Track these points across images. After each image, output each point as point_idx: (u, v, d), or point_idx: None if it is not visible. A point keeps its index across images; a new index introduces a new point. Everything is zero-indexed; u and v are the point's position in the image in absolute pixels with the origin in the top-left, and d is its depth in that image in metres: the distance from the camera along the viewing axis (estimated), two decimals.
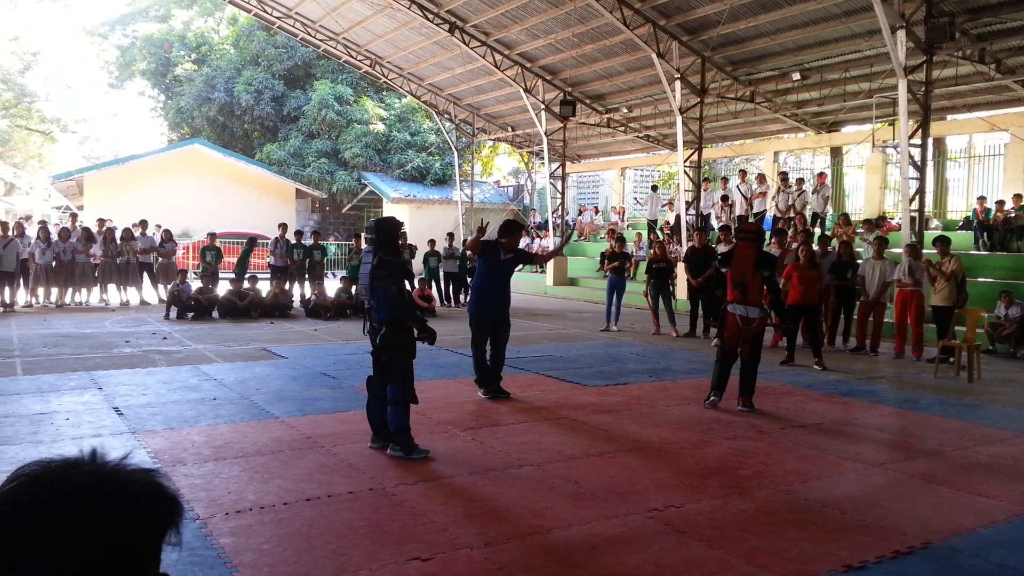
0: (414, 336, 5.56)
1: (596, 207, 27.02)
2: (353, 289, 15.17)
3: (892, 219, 16.63)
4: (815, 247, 11.46)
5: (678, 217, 17.81)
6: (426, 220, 28.05)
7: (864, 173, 19.58)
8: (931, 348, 10.35)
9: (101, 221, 16.76)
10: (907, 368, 9.99)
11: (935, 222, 16.86)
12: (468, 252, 11.89)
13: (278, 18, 22.39)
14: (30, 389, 7.40)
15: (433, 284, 16.54)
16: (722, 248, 12.13)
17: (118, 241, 15.91)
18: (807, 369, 9.50)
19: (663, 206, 21.74)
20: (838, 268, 11.26)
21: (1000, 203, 15.35)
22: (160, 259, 16.40)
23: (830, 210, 17.41)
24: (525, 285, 21.13)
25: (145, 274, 16.32)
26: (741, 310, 7.11)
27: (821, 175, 17.64)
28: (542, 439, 6.03)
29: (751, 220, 17.54)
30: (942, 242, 10.78)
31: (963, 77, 14.97)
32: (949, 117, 17.88)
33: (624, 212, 24.75)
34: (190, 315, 13.63)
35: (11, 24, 41.34)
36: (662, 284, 12.83)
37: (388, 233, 5.60)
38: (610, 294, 13.13)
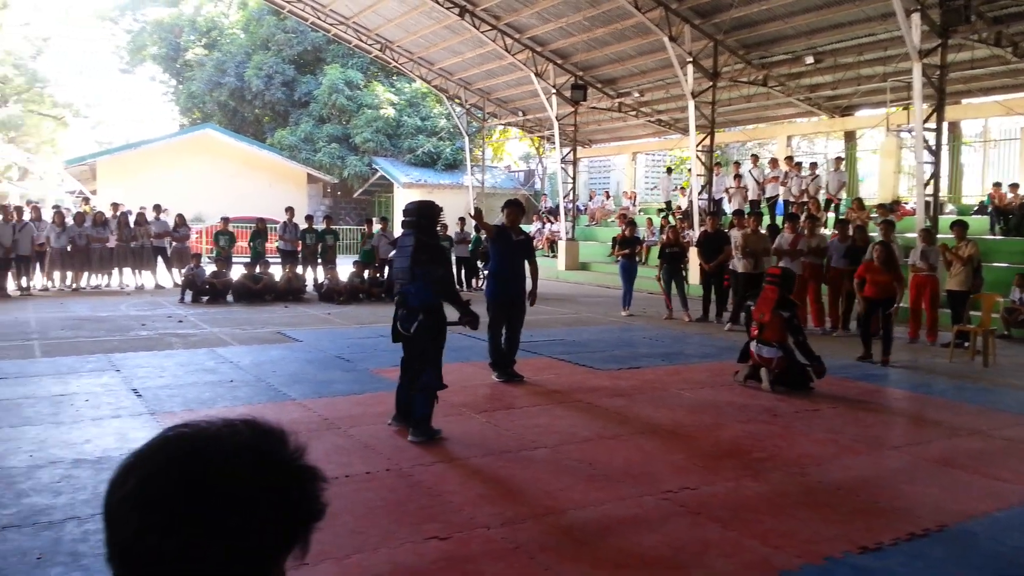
0: (446, 322, 5.54)
1: (607, 192, 26.94)
2: (366, 274, 15.25)
3: (906, 204, 16.52)
4: (840, 233, 11.34)
5: (690, 202, 17.75)
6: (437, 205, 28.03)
7: (878, 157, 19.43)
8: (945, 333, 10.32)
9: (115, 205, 16.85)
10: (921, 353, 9.96)
11: (950, 207, 16.74)
12: (484, 238, 11.91)
13: (288, 2, 22.35)
14: (49, 371, 7.49)
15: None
16: (735, 233, 12.08)
17: (132, 225, 16.01)
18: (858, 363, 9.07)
19: (675, 191, 21.67)
20: (852, 253, 11.21)
21: (1014, 186, 15.22)
22: (174, 243, 16.49)
23: (844, 195, 17.29)
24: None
25: (159, 258, 16.43)
26: (760, 348, 7.33)
27: (838, 159, 17.53)
28: (556, 422, 6.07)
29: (763, 205, 17.49)
30: (959, 226, 10.72)
31: (979, 60, 14.81)
32: (964, 101, 17.69)
33: (635, 197, 24.67)
34: (205, 299, 13.73)
35: (22, 9, 41.41)
36: (674, 269, 12.81)
37: (429, 216, 5.53)
38: (623, 278, 13.16)
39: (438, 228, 6.15)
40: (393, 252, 5.76)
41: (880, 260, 8.85)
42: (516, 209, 7.60)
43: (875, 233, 12.58)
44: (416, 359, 5.47)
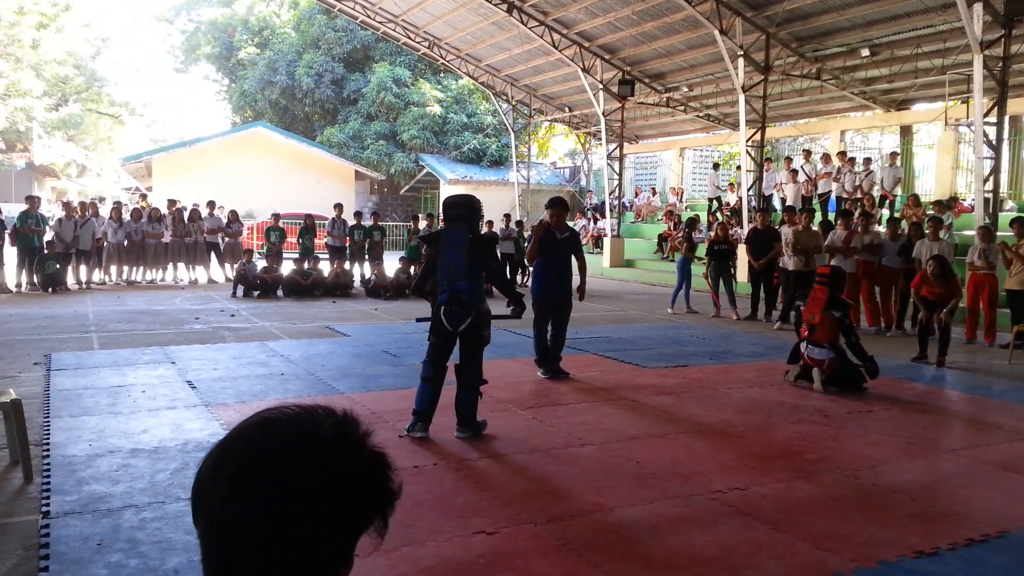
0: (491, 317, 5.57)
1: (653, 188, 26.70)
2: (412, 269, 15.37)
3: (964, 200, 16.03)
4: (886, 231, 11.08)
5: (739, 198, 17.50)
6: (483, 201, 28.04)
7: (935, 153, 18.90)
8: (1004, 333, 10.00)
9: (171, 202, 17.26)
10: (979, 354, 9.67)
11: (1010, 203, 16.20)
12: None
13: (339, 1, 22.62)
14: (107, 363, 7.71)
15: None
16: (785, 229, 11.88)
17: (186, 221, 16.38)
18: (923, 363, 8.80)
19: (723, 188, 21.37)
20: (907, 250, 10.93)
21: None
22: (227, 239, 16.83)
23: (899, 191, 16.87)
24: None
25: (212, 253, 16.78)
26: (810, 350, 7.20)
27: (893, 154, 17.10)
28: (603, 419, 6.04)
29: (815, 201, 17.15)
30: (1020, 223, 10.36)
31: None
32: None
33: (682, 194, 24.41)
34: (256, 293, 13.98)
35: (83, 11, 42.68)
36: (723, 266, 12.66)
37: (477, 211, 5.54)
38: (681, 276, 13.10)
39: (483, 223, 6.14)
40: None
41: (935, 275, 8.63)
42: (560, 208, 7.57)
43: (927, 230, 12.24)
44: (464, 356, 5.45)
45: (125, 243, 15.68)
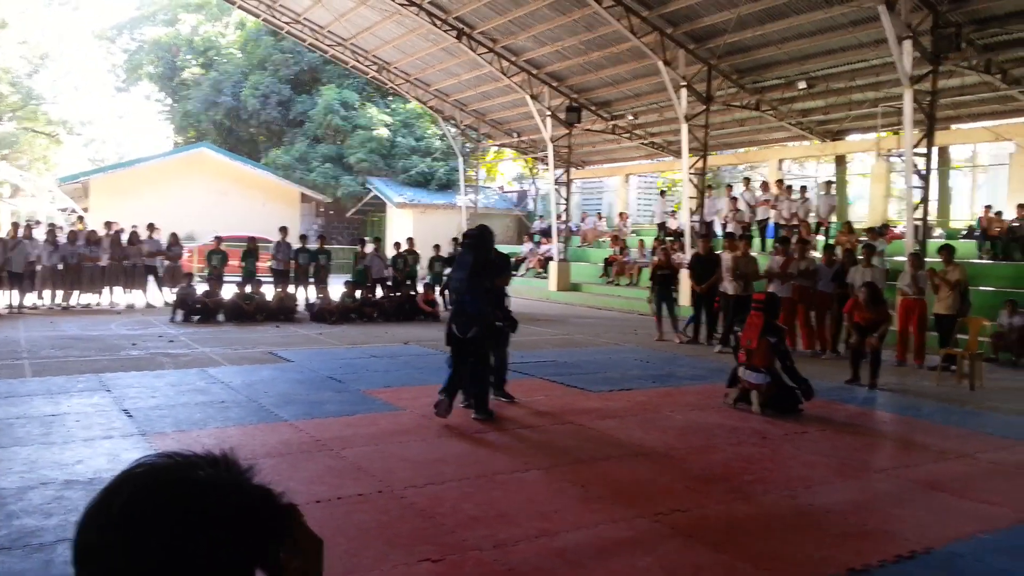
0: (495, 326, 6.88)
1: (599, 213, 27.06)
2: (357, 294, 15.30)
3: (896, 227, 16.67)
4: (819, 257, 11.45)
5: (680, 225, 17.87)
6: (430, 225, 28.11)
7: (868, 181, 19.62)
8: (933, 356, 10.39)
9: (108, 224, 16.86)
10: (909, 376, 10.03)
11: (938, 231, 16.89)
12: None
13: (287, 23, 22.52)
14: (40, 391, 7.47)
15: (437, 289, 16.57)
16: (725, 255, 12.17)
17: (124, 244, 16.01)
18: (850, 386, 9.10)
19: (667, 213, 21.79)
20: (840, 276, 11.30)
21: (999, 214, 15.40)
22: (167, 262, 16.48)
23: (834, 218, 17.44)
24: (528, 290, 21.19)
25: (151, 277, 16.41)
26: (748, 374, 7.38)
27: (828, 183, 17.70)
28: (547, 443, 6.09)
29: (754, 228, 17.63)
30: (947, 251, 10.83)
31: (969, 87, 15.02)
32: (954, 126, 17.91)
33: (627, 219, 24.81)
34: (196, 318, 13.70)
35: (20, 27, 41.54)
36: (665, 290, 12.89)
37: (485, 239, 6.72)
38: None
39: (493, 248, 7.05)
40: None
41: (865, 301, 8.95)
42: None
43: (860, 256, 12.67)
44: (470, 358, 6.53)
45: (60, 266, 15.23)
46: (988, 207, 16.02)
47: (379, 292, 16.03)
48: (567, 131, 21.39)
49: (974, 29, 13.00)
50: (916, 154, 12.61)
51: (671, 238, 19.06)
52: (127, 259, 15.96)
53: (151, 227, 16.88)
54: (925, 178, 12.68)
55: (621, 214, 24.69)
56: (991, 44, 13.53)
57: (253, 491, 0.90)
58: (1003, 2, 12.30)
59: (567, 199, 22.62)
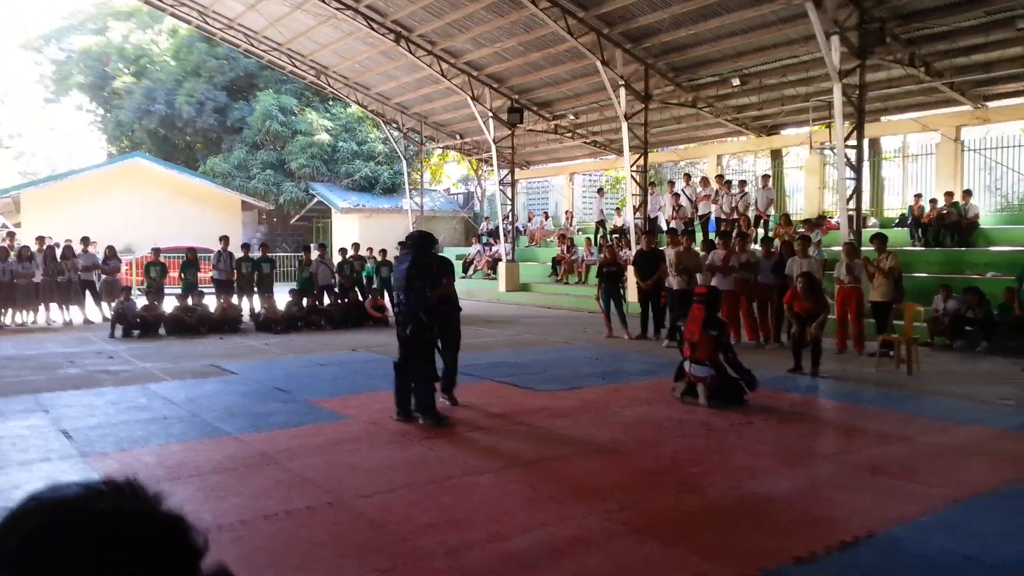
0: (434, 324, 6.90)
1: (546, 212, 27.20)
2: (304, 301, 15.09)
3: (831, 218, 17.12)
4: (758, 248, 11.70)
5: (625, 221, 18.06)
6: (377, 230, 27.88)
7: (803, 174, 20.12)
8: (872, 343, 10.69)
9: (41, 239, 16.29)
10: (849, 362, 10.30)
11: (872, 220, 17.39)
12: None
13: (220, 29, 22.08)
14: None
15: (386, 294, 16.42)
16: (668, 250, 12.34)
17: (59, 259, 15.50)
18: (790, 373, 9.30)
19: (609, 210, 22.01)
20: (780, 268, 11.56)
21: (933, 201, 15.91)
22: (103, 276, 16.01)
23: (772, 211, 17.83)
24: (479, 292, 21.17)
25: (88, 292, 15.92)
26: (693, 368, 7.49)
27: (765, 176, 18.08)
28: (498, 445, 6.09)
29: (696, 223, 17.92)
30: (879, 239, 11.15)
31: (895, 80, 15.51)
32: (883, 118, 18.48)
33: (573, 217, 24.99)
34: (136, 333, 13.33)
35: None
36: (613, 287, 13.00)
37: (423, 242, 6.92)
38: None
39: (432, 251, 7.19)
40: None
41: (803, 291, 9.16)
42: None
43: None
44: (412, 355, 6.69)
45: None
46: (918, 196, 16.55)
47: (326, 299, 15.84)
48: (510, 132, 21.45)
49: (898, 24, 13.42)
50: (848, 146, 12.97)
51: (616, 235, 19.26)
52: (62, 275, 15.45)
53: (86, 241, 16.38)
54: (857, 169, 13.05)
55: (567, 213, 24.85)
56: (914, 38, 14.00)
57: (162, 520, 0.86)
58: None
59: (513, 200, 22.67)
